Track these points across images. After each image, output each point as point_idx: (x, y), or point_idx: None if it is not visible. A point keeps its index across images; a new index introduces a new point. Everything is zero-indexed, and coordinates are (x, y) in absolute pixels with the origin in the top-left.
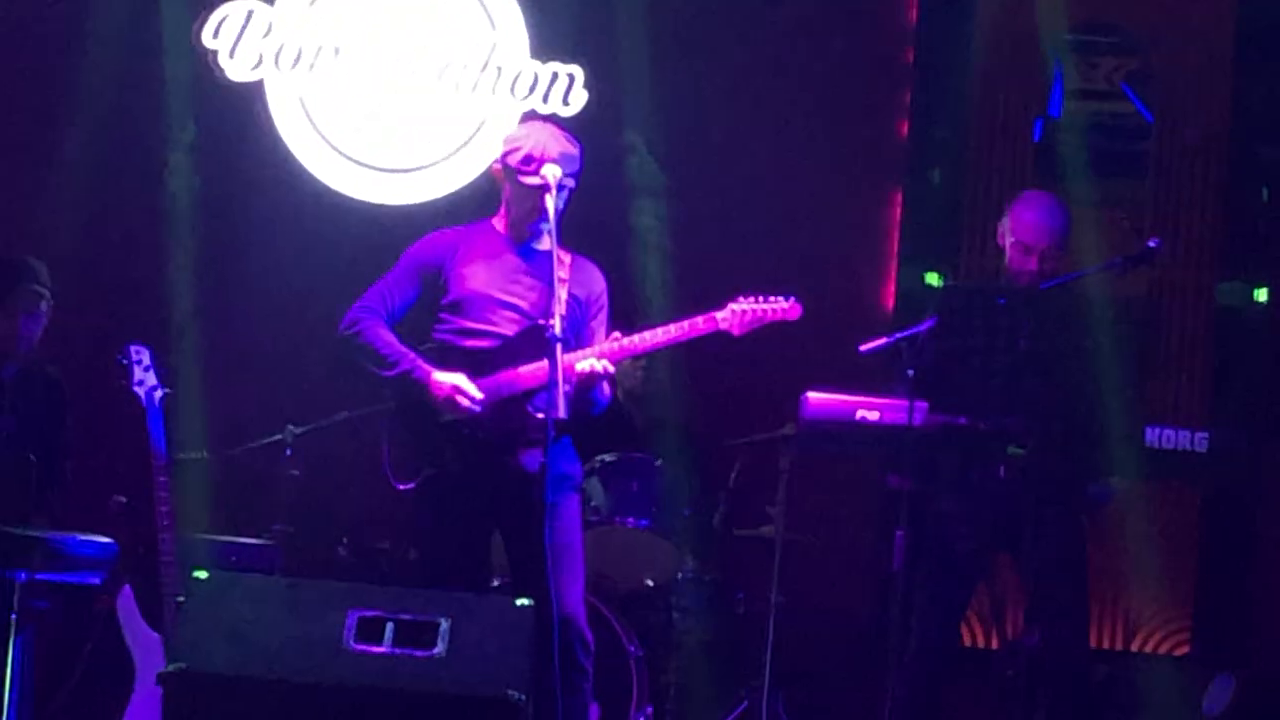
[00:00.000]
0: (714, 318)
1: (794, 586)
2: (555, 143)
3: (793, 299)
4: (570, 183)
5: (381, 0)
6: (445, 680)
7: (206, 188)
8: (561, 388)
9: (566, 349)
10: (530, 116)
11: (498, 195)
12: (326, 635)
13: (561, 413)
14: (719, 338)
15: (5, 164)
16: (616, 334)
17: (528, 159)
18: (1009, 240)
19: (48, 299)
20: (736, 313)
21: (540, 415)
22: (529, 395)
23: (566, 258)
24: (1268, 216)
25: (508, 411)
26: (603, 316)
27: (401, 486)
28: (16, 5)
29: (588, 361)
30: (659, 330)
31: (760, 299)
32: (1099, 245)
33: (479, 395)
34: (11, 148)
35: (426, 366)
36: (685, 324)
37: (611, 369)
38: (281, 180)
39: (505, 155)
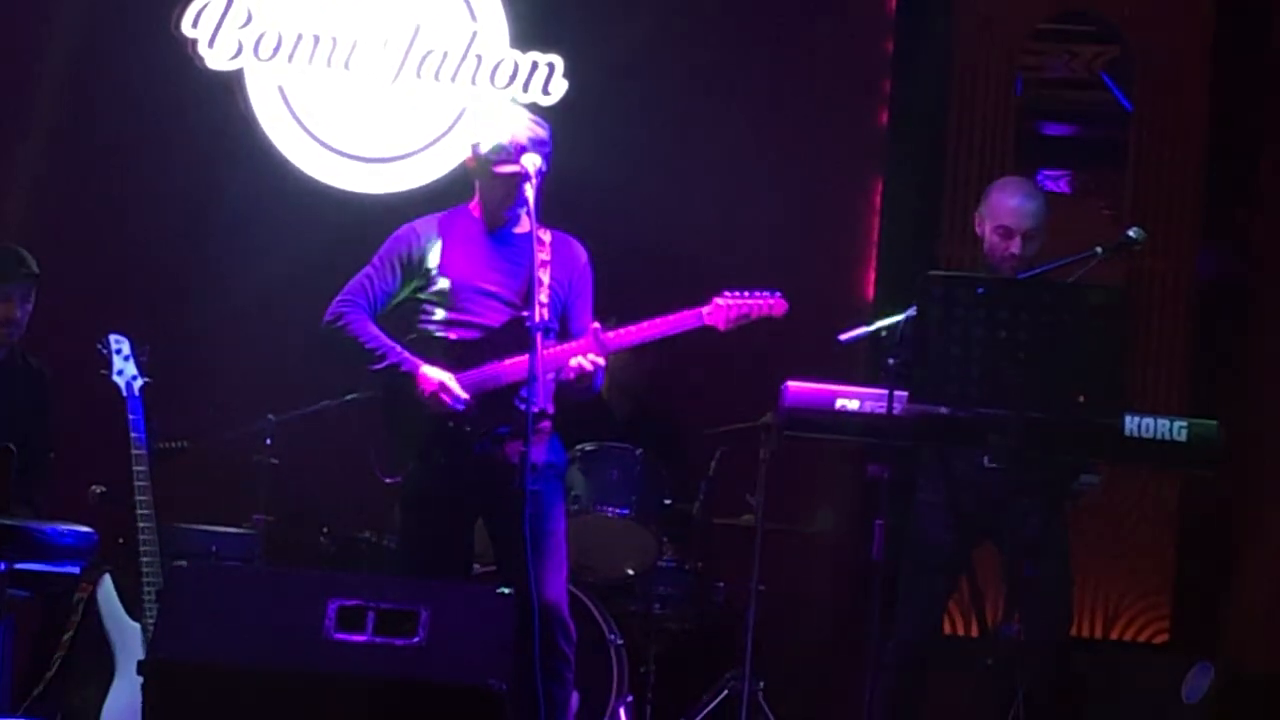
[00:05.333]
0: (699, 313)
1: (774, 575)
2: (525, 129)
3: (778, 294)
4: (544, 166)
5: None
6: (426, 669)
7: (186, 177)
8: (544, 379)
9: (550, 335)
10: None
11: (473, 182)
12: (307, 624)
13: (542, 405)
14: (701, 327)
15: None
16: (596, 325)
17: (499, 147)
18: (989, 226)
19: (34, 289)
20: (721, 307)
21: (524, 408)
22: (514, 388)
23: (547, 236)
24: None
25: (492, 404)
26: (588, 293)
27: (388, 480)
28: None
29: (577, 360)
30: (644, 325)
31: (745, 295)
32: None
33: (464, 395)
34: None
35: (414, 360)
36: (671, 318)
37: (602, 363)
38: (261, 169)
39: (475, 144)
